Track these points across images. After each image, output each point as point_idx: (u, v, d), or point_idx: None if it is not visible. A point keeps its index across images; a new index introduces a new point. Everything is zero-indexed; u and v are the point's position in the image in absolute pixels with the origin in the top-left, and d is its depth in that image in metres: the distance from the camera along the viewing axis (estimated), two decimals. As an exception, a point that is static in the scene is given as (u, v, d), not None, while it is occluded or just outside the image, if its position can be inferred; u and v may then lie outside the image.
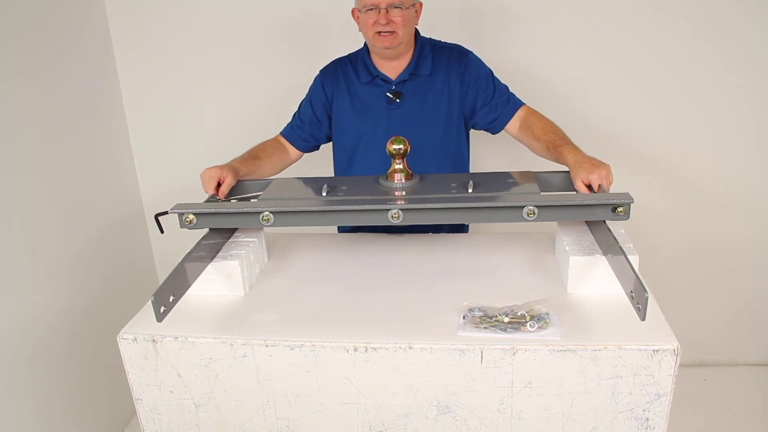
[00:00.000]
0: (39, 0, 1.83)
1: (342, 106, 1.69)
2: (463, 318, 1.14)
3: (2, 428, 1.66)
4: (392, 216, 1.24)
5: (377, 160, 1.61)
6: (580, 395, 1.08)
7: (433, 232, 1.64)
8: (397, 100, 1.64)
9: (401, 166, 1.39)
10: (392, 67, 1.65)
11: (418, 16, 1.63)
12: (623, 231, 1.35)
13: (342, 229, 1.81)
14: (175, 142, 2.33)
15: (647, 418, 1.09)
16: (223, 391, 1.18)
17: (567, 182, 1.42)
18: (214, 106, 2.27)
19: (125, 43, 2.20)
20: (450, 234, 1.68)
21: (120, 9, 2.16)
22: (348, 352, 1.10)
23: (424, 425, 1.15)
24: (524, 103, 1.65)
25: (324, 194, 1.35)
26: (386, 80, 1.65)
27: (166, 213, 1.36)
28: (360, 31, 1.61)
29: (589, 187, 1.32)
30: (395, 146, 1.36)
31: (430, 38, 1.70)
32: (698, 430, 2.09)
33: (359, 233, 1.67)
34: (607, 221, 1.26)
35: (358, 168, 1.69)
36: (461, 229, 1.78)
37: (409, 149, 1.37)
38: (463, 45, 1.69)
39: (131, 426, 2.24)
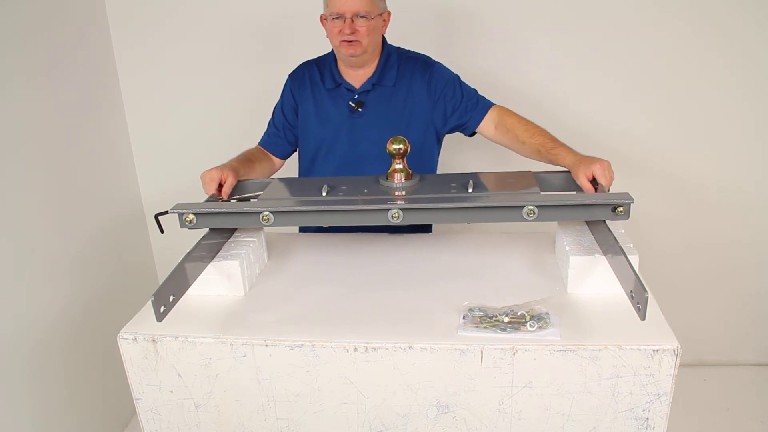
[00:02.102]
0: (40, 1, 1.83)
1: (306, 110, 1.69)
2: (463, 318, 1.14)
3: (2, 428, 1.66)
4: (392, 216, 1.24)
5: (337, 166, 1.63)
6: (580, 395, 1.08)
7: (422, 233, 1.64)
8: (360, 110, 1.64)
9: (401, 166, 1.39)
10: (357, 76, 1.65)
11: (385, 26, 1.63)
12: (623, 231, 1.35)
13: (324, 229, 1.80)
14: (175, 142, 2.33)
15: (647, 418, 1.09)
16: (223, 391, 1.18)
17: (567, 182, 1.42)
18: (214, 107, 2.27)
19: (125, 43, 2.20)
20: (450, 234, 1.68)
21: (120, 10, 2.16)
22: (348, 352, 1.10)
23: (424, 425, 1.15)
24: (494, 104, 1.65)
25: (324, 194, 1.35)
26: (350, 89, 1.65)
27: (166, 213, 1.36)
28: (327, 37, 1.61)
29: (593, 182, 1.33)
30: (395, 146, 1.36)
31: (399, 47, 1.69)
32: (698, 430, 2.09)
33: (359, 233, 1.67)
34: (607, 221, 1.26)
35: (318, 173, 1.70)
36: (425, 229, 1.77)
37: (409, 149, 1.37)
38: (435, 53, 1.69)
39: (131, 426, 2.24)
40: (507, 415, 1.11)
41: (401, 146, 1.36)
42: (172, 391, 1.19)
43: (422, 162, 1.70)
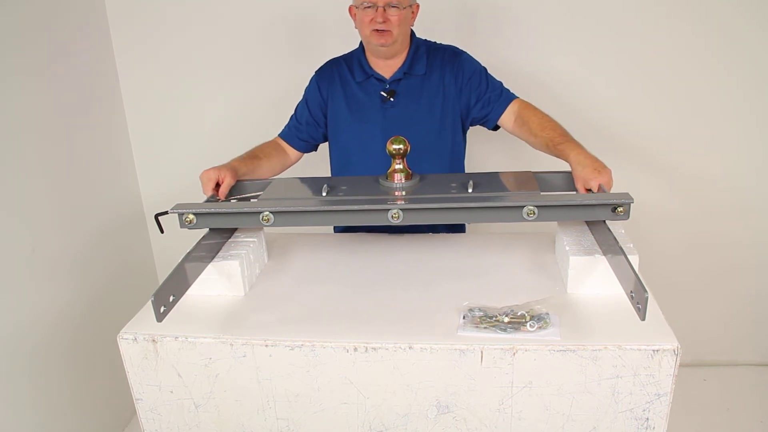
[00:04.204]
0: (39, 0, 1.83)
1: (338, 106, 1.69)
2: (463, 318, 1.14)
3: (3, 428, 1.66)
4: (392, 216, 1.24)
5: (375, 160, 1.61)
6: (580, 395, 1.08)
7: (432, 233, 1.65)
8: (392, 99, 1.65)
9: (401, 166, 1.39)
10: (387, 66, 1.66)
11: (414, 17, 1.64)
12: (623, 231, 1.35)
13: (337, 229, 1.81)
14: (175, 142, 2.33)
15: (647, 418, 1.09)
16: (223, 391, 1.18)
17: (567, 182, 1.42)
18: (213, 106, 2.27)
19: (125, 43, 2.20)
20: (450, 234, 1.68)
21: (120, 9, 2.16)
22: (348, 352, 1.10)
23: (424, 425, 1.15)
24: (517, 96, 1.66)
25: (324, 194, 1.35)
26: (381, 79, 1.66)
27: (166, 213, 1.36)
28: (356, 28, 1.62)
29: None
30: (395, 146, 1.36)
31: (426, 39, 1.71)
32: (698, 430, 2.09)
33: (359, 233, 1.67)
34: (607, 221, 1.26)
35: (356, 168, 1.69)
36: (459, 229, 1.79)
37: (409, 149, 1.37)
38: (458, 45, 1.70)
39: (131, 426, 2.24)
40: (507, 415, 1.11)
41: (401, 146, 1.36)
42: (172, 391, 1.19)
43: (455, 153, 1.71)
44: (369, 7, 1.54)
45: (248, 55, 2.19)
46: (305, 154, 1.79)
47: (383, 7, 1.53)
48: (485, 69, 1.68)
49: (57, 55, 1.92)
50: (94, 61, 2.12)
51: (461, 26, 2.09)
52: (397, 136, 1.37)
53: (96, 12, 2.13)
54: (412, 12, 1.62)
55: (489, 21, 2.08)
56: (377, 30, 1.55)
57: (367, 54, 1.67)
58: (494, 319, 1.12)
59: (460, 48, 1.70)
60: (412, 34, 1.68)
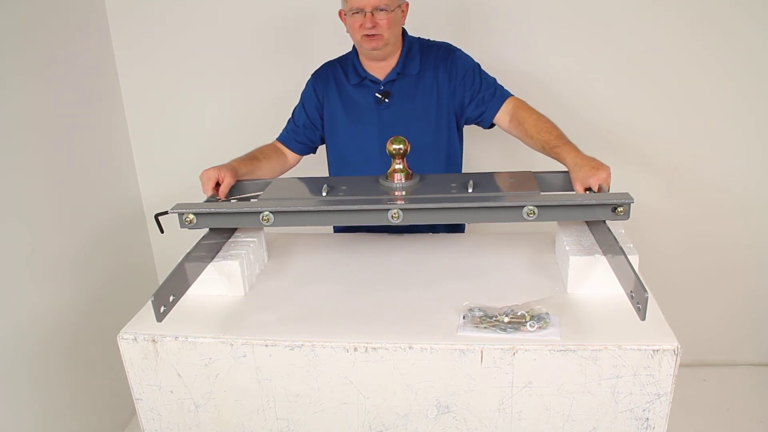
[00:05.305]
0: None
1: (333, 108, 1.70)
2: (463, 318, 1.14)
3: (3, 428, 1.66)
4: (392, 216, 1.24)
5: (371, 161, 1.62)
6: (580, 395, 1.08)
7: (432, 233, 1.64)
8: (386, 100, 1.65)
9: (401, 166, 1.39)
10: (380, 68, 1.66)
11: (404, 17, 1.64)
12: (623, 231, 1.35)
13: (337, 229, 1.81)
14: (175, 142, 2.33)
15: (647, 418, 1.09)
16: (223, 391, 1.18)
17: (567, 182, 1.42)
18: (213, 107, 2.27)
19: (125, 43, 2.20)
20: (450, 234, 1.68)
21: (120, 9, 2.16)
22: (348, 352, 1.11)
23: (424, 425, 1.15)
24: (512, 94, 1.65)
25: (324, 194, 1.35)
26: (375, 81, 1.66)
27: (166, 213, 1.36)
28: (347, 32, 1.62)
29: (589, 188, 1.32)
30: (395, 146, 1.36)
31: (419, 38, 1.70)
32: (698, 430, 2.09)
33: (359, 233, 1.67)
34: (607, 221, 1.26)
35: (353, 169, 1.70)
36: (458, 229, 1.79)
37: (409, 149, 1.37)
38: (451, 43, 1.70)
39: (131, 426, 2.24)
40: (507, 415, 1.11)
41: (401, 146, 1.36)
42: (172, 391, 1.19)
43: (452, 152, 1.71)
44: (357, 12, 1.53)
45: (248, 55, 2.19)
46: (304, 156, 1.79)
47: (371, 12, 1.52)
48: (479, 65, 1.67)
49: (57, 55, 1.92)
50: (94, 61, 2.12)
51: (456, 24, 2.09)
52: (397, 136, 1.36)
53: (96, 12, 2.13)
54: (402, 11, 1.61)
55: (485, 19, 2.07)
56: (367, 35, 1.55)
57: (361, 57, 1.67)
58: (494, 319, 1.12)
59: (454, 45, 1.69)
60: (404, 33, 1.67)
